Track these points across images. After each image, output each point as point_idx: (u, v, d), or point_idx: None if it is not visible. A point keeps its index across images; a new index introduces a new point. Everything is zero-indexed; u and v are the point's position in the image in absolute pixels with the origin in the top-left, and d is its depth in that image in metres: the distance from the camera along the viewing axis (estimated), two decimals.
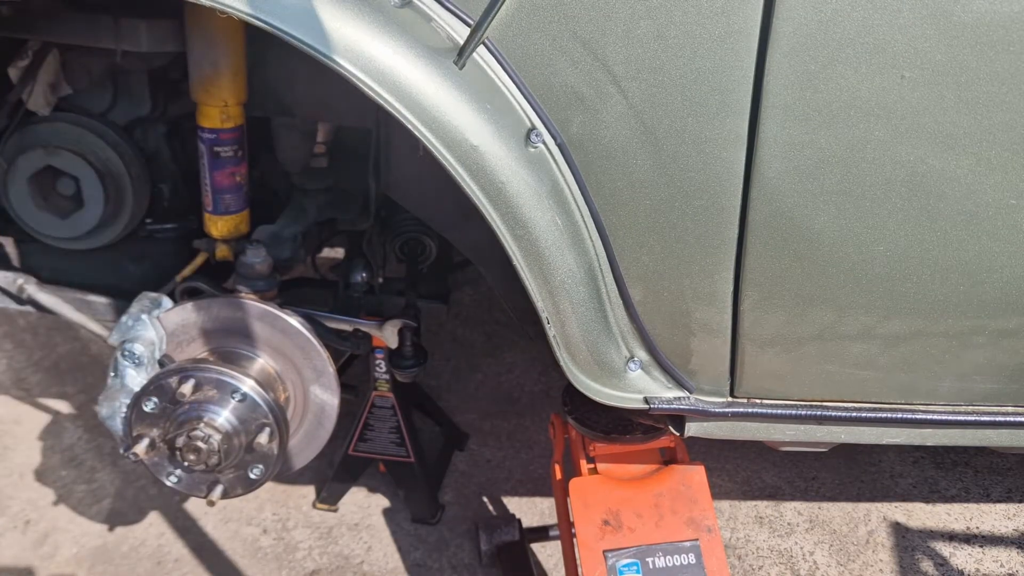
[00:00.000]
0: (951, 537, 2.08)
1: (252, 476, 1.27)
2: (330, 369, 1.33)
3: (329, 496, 2.08)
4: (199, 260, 1.42)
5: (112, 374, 1.25)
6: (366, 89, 0.99)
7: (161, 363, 1.29)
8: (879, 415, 1.30)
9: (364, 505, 2.10)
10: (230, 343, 1.33)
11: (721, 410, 1.29)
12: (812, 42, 1.03)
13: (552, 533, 1.95)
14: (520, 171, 1.07)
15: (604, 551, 1.41)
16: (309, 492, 2.12)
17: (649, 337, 1.24)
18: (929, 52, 1.04)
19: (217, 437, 1.22)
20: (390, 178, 1.42)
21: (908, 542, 2.06)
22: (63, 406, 2.38)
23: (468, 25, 1.04)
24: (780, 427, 1.32)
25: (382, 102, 0.99)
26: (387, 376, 1.93)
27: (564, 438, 1.66)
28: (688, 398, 1.30)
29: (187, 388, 1.21)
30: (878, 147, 1.08)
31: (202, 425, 1.21)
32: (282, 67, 1.35)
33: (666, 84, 1.06)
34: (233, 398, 1.23)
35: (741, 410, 1.30)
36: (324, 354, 1.32)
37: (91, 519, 2.00)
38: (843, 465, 2.29)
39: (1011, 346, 1.25)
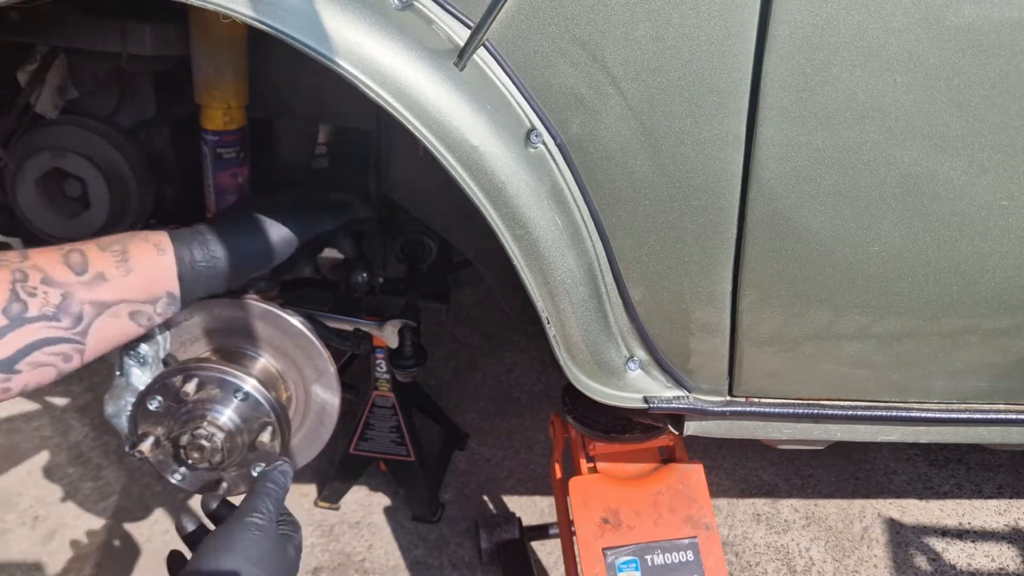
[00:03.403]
0: (944, 533, 2.10)
1: (255, 474, 1.28)
2: (331, 369, 1.33)
3: (331, 495, 2.09)
4: None
5: (118, 373, 1.26)
6: (367, 91, 0.99)
7: (165, 362, 1.30)
8: (874, 413, 1.31)
9: (365, 504, 2.11)
10: (233, 342, 1.33)
11: (720, 409, 1.30)
12: (808, 45, 1.04)
13: (552, 531, 1.96)
14: (520, 171, 1.07)
15: (603, 549, 1.42)
16: (311, 491, 2.13)
17: (648, 337, 1.25)
18: (922, 56, 1.05)
19: (220, 435, 1.22)
20: (391, 178, 1.43)
21: (902, 538, 2.07)
22: (70, 404, 2.39)
23: (468, 27, 1.05)
24: (778, 425, 1.33)
25: (383, 103, 1.00)
26: (387, 376, 1.94)
27: (564, 437, 1.67)
28: (687, 397, 1.31)
29: (191, 387, 1.22)
30: (873, 149, 1.09)
31: (205, 423, 1.22)
32: (284, 69, 1.36)
33: (665, 85, 1.07)
34: (236, 397, 1.24)
35: (739, 409, 1.31)
36: (325, 354, 1.32)
37: (98, 515, 2.02)
38: (839, 463, 2.30)
39: (1003, 345, 1.26)
